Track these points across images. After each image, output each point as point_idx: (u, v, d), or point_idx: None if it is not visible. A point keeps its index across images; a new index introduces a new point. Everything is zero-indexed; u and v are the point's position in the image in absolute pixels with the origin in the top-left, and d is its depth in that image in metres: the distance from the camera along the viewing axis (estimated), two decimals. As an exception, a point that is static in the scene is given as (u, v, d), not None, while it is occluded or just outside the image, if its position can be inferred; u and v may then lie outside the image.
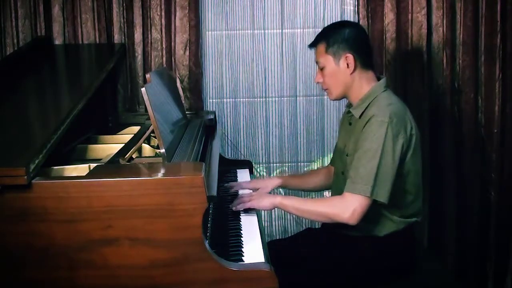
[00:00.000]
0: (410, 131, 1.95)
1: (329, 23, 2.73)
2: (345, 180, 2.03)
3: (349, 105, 2.12)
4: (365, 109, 2.00)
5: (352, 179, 1.90)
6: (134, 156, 1.93)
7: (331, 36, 2.04)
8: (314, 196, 2.75)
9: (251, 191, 2.25)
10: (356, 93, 2.05)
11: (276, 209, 2.26)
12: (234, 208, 2.03)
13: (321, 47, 2.06)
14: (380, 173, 1.88)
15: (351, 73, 2.02)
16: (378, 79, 2.08)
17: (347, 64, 2.01)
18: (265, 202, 2.01)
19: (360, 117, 2.01)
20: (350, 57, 2.01)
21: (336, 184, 2.17)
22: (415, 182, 2.02)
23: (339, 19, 2.79)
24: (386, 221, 1.99)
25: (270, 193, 2.26)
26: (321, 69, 2.07)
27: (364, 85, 2.04)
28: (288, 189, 2.46)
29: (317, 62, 2.09)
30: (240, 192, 2.24)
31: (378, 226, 1.99)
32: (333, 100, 2.13)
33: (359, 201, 1.88)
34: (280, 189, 2.38)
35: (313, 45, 2.10)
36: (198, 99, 2.78)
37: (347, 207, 1.88)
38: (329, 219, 1.95)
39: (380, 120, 1.90)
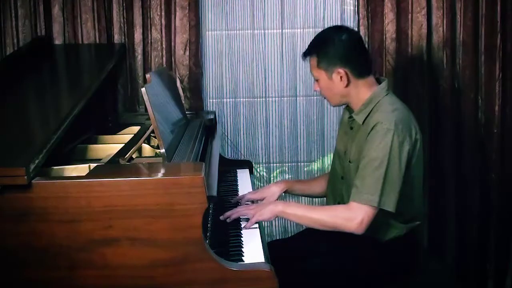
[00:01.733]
0: (415, 136, 1.94)
1: (329, 23, 2.75)
2: (344, 185, 2.03)
3: (350, 109, 2.09)
4: (368, 115, 1.97)
5: (359, 189, 1.87)
6: (134, 156, 1.93)
7: (321, 51, 1.98)
8: (316, 202, 2.74)
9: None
10: (356, 100, 2.02)
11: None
12: (227, 219, 1.95)
13: (313, 60, 2.01)
14: (387, 182, 1.86)
15: (346, 86, 1.98)
16: (378, 81, 2.05)
17: (340, 78, 1.97)
18: (266, 214, 1.95)
19: (363, 123, 1.98)
20: (342, 72, 1.96)
21: (334, 188, 2.15)
22: (419, 186, 2.01)
23: (339, 19, 2.79)
24: (390, 228, 1.97)
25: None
26: (316, 80, 2.04)
27: (363, 91, 2.00)
28: (292, 194, 2.44)
29: (311, 73, 2.05)
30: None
31: (382, 232, 1.97)
32: (334, 106, 2.11)
33: (366, 211, 1.85)
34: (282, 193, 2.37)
35: (304, 56, 2.05)
36: (198, 99, 2.78)
37: (354, 218, 1.85)
38: (334, 229, 1.91)
39: (385, 127, 1.88)
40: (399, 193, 1.87)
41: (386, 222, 1.96)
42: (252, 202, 2.19)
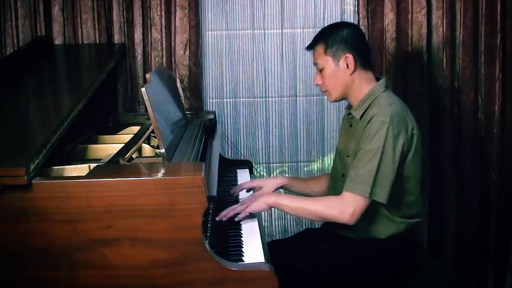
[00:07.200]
0: (411, 131, 1.95)
1: (329, 23, 2.74)
2: (344, 182, 2.03)
3: (349, 107, 2.11)
4: (366, 110, 1.99)
5: (352, 179, 1.90)
6: (134, 156, 1.94)
7: (330, 37, 2.03)
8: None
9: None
10: (356, 94, 2.04)
11: (275, 208, 2.24)
12: (224, 219, 1.94)
13: (320, 48, 2.04)
14: (380, 174, 1.87)
15: (351, 74, 2.02)
16: (377, 79, 2.07)
17: (347, 65, 2.01)
18: (260, 205, 1.96)
19: (361, 118, 2.01)
20: (350, 57, 2.00)
21: (335, 186, 2.15)
22: (417, 182, 2.01)
23: (339, 19, 2.79)
24: (387, 223, 1.98)
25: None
26: (320, 70, 2.06)
27: (364, 85, 2.03)
28: (290, 191, 2.44)
29: (315, 64, 2.07)
30: (241, 197, 2.20)
31: (380, 227, 1.98)
32: (333, 101, 2.14)
33: (358, 201, 1.87)
34: (280, 189, 2.37)
35: (311, 47, 2.09)
36: (198, 99, 2.78)
37: (346, 208, 1.87)
38: (326, 220, 1.95)
39: (381, 120, 1.90)
40: (391, 185, 1.89)
41: (384, 216, 1.97)
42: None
